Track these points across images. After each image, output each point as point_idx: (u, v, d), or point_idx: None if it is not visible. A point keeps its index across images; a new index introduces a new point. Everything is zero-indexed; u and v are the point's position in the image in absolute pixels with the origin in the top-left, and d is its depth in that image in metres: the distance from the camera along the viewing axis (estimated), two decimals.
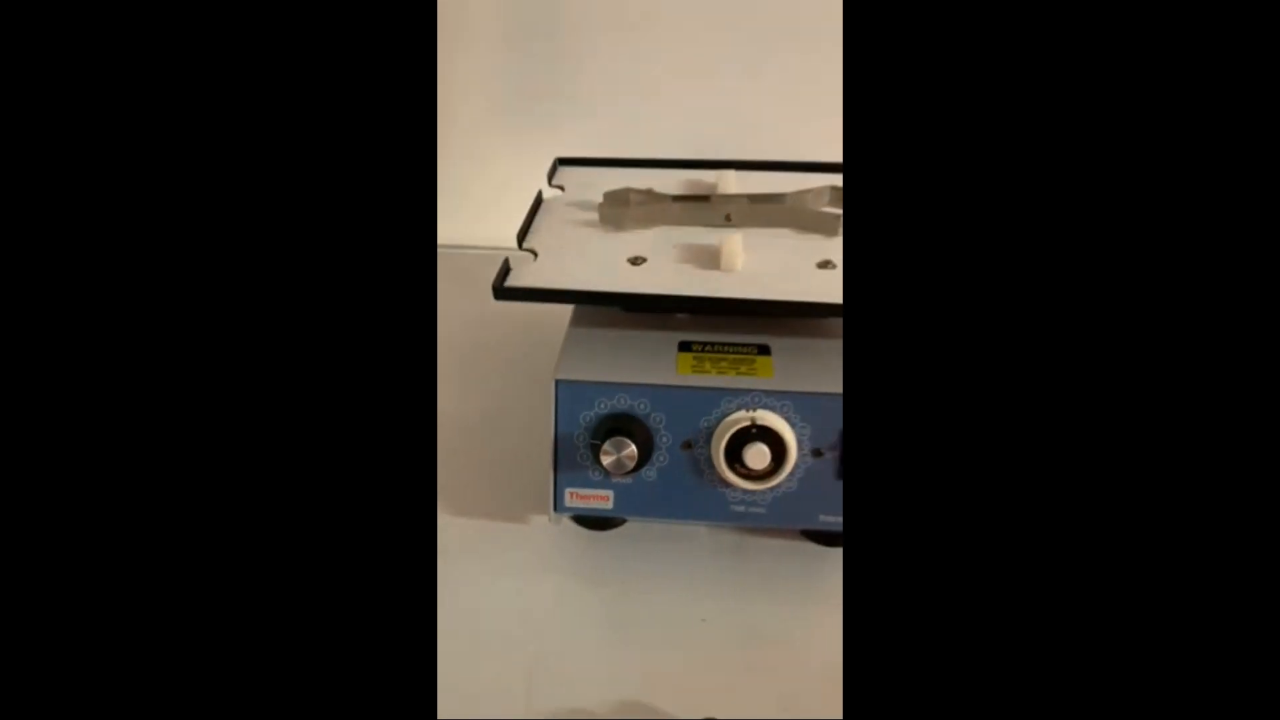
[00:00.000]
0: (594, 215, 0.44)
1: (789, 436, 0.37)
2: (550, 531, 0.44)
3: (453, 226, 0.59)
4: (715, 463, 0.37)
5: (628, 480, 0.39)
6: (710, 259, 0.40)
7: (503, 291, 0.38)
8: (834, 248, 0.41)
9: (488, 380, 0.55)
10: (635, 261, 0.40)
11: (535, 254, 0.41)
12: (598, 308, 0.43)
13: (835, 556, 0.43)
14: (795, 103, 0.67)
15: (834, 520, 0.39)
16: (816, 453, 0.38)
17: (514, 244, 0.43)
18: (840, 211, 0.43)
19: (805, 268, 0.39)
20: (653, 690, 0.36)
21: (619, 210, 0.43)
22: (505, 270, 0.39)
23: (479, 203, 0.68)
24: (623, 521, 0.45)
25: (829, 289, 0.37)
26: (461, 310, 0.54)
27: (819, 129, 0.59)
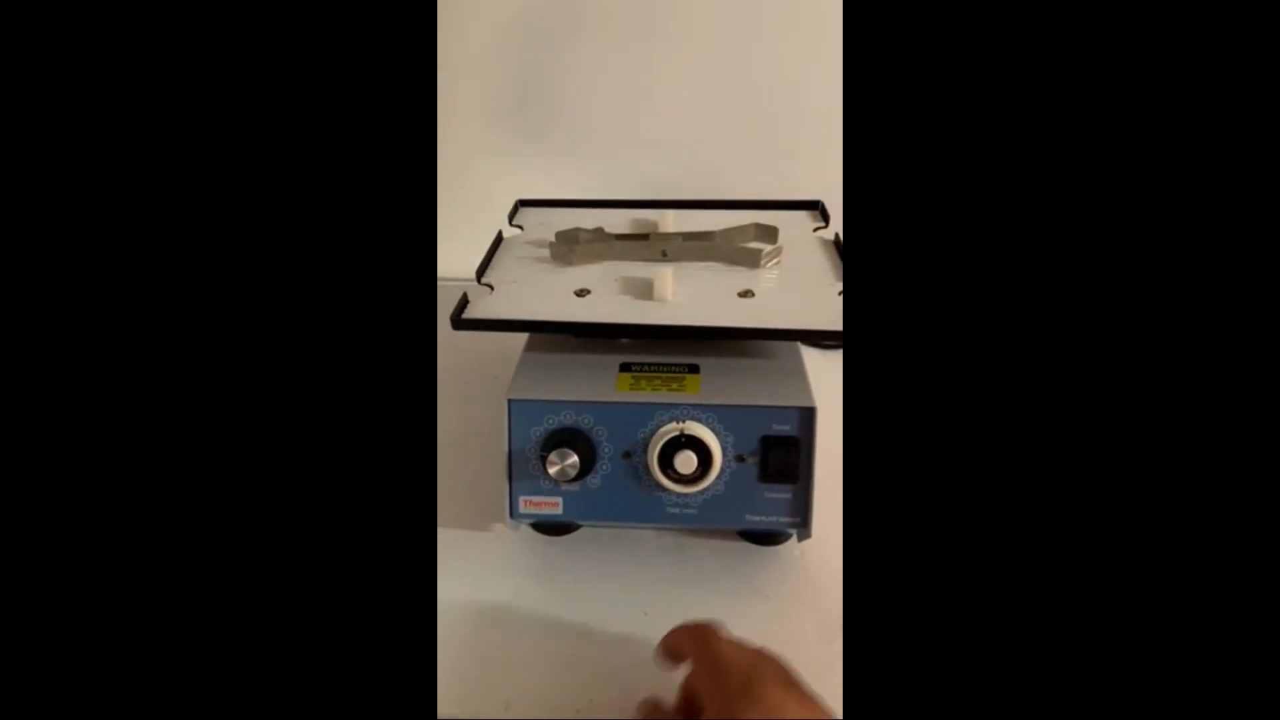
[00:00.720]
0: (547, 252, 0.50)
1: (714, 444, 0.42)
2: (511, 538, 0.49)
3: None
4: (651, 469, 0.42)
5: (574, 487, 0.44)
6: (646, 290, 0.45)
7: (460, 322, 0.43)
8: (755, 278, 0.47)
9: (452, 402, 0.60)
10: (580, 294, 0.45)
11: (491, 288, 0.46)
12: (550, 335, 0.48)
13: (765, 554, 0.48)
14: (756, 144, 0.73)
15: (759, 520, 0.44)
16: (739, 458, 0.43)
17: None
18: (761, 245, 0.48)
19: (728, 297, 0.45)
20: (598, 674, 0.41)
21: (568, 248, 0.49)
22: (463, 303, 0.44)
23: (457, 236, 0.73)
24: (576, 528, 0.49)
25: (746, 315, 0.43)
26: None
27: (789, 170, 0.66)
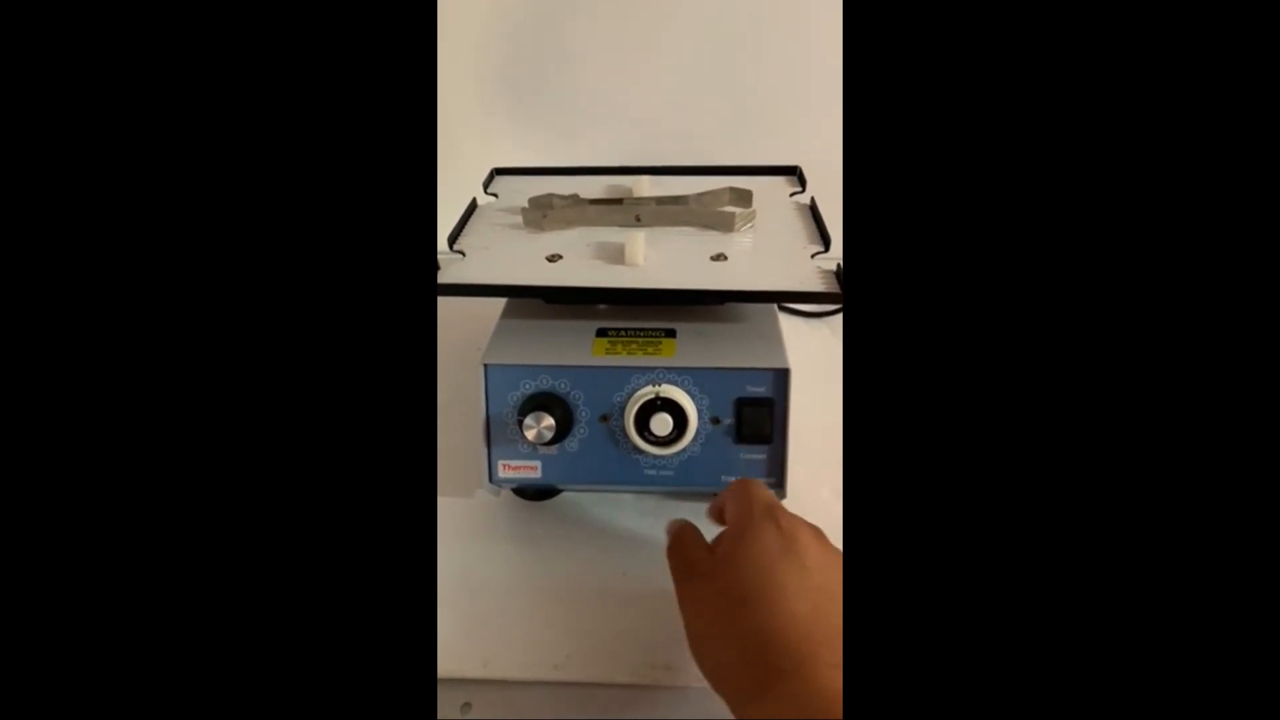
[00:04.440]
0: (520, 219, 0.49)
1: (689, 406, 0.42)
2: (493, 503, 0.49)
3: None
4: (628, 432, 0.43)
5: (552, 451, 0.44)
6: (618, 255, 0.45)
7: None
8: (729, 242, 0.47)
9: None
10: (552, 259, 0.45)
11: (463, 254, 0.46)
12: (526, 302, 0.48)
13: None
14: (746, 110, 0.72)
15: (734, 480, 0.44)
16: (715, 420, 0.43)
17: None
18: (735, 209, 0.48)
19: (700, 261, 0.45)
20: (575, 632, 0.42)
21: (541, 214, 0.49)
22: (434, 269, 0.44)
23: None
24: (557, 493, 0.50)
25: (718, 278, 0.43)
26: None
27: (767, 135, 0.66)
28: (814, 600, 0.31)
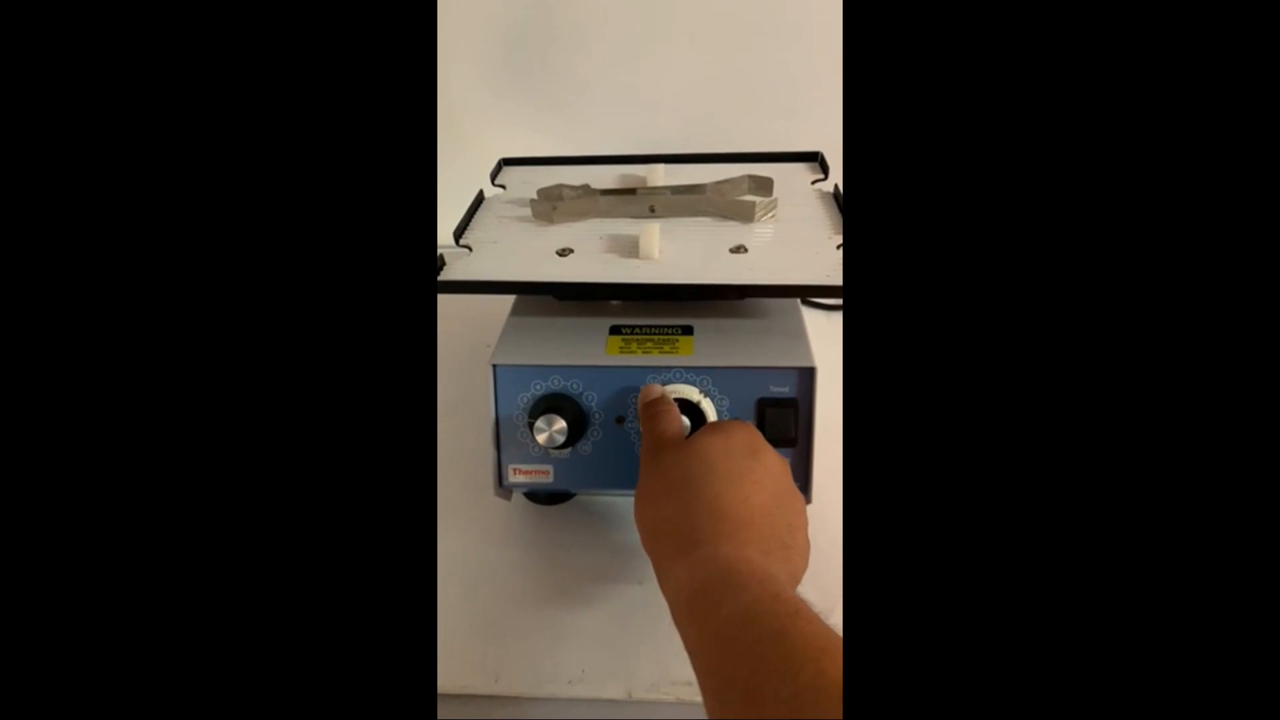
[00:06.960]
0: (529, 212, 0.47)
1: (707, 407, 0.40)
2: (503, 508, 0.48)
3: None
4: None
5: (565, 455, 0.42)
6: (631, 248, 0.43)
7: (436, 285, 0.41)
8: (748, 233, 0.44)
9: (440, 370, 0.58)
10: (562, 253, 0.43)
11: (470, 249, 0.44)
12: (536, 298, 0.46)
13: None
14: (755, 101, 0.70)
15: None
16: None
17: None
18: (754, 198, 0.46)
19: (719, 253, 0.42)
20: (591, 645, 0.40)
21: (550, 206, 0.46)
22: (440, 265, 0.42)
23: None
24: (570, 496, 0.48)
25: (738, 272, 0.40)
26: None
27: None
28: (761, 499, 0.33)
